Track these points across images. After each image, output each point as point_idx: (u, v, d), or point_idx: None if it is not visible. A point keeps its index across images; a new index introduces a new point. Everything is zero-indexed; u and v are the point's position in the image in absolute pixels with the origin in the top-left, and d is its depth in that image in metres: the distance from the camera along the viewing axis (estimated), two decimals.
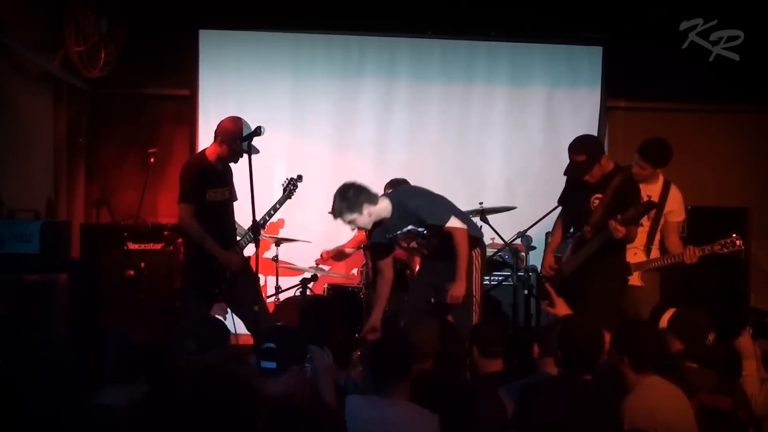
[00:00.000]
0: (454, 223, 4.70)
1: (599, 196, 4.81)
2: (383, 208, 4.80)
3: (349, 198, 4.71)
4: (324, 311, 4.35)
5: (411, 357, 3.40)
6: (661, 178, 5.31)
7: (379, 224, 4.85)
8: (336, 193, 4.75)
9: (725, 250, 4.94)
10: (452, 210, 4.78)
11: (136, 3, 6.48)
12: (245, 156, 4.85)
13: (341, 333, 4.56)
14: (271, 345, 3.18)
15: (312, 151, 7.00)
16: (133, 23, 6.45)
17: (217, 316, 5.66)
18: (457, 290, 4.60)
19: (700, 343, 3.87)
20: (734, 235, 4.93)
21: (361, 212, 4.71)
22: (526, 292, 5.91)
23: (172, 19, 6.61)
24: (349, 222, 4.76)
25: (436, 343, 3.92)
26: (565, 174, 5.04)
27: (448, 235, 4.69)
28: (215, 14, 6.81)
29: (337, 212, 4.76)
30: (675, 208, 5.40)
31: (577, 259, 4.95)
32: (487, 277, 6.38)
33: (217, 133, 5.11)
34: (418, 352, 3.78)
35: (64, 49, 6.05)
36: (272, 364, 3.15)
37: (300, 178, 5.32)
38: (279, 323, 3.91)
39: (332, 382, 3.39)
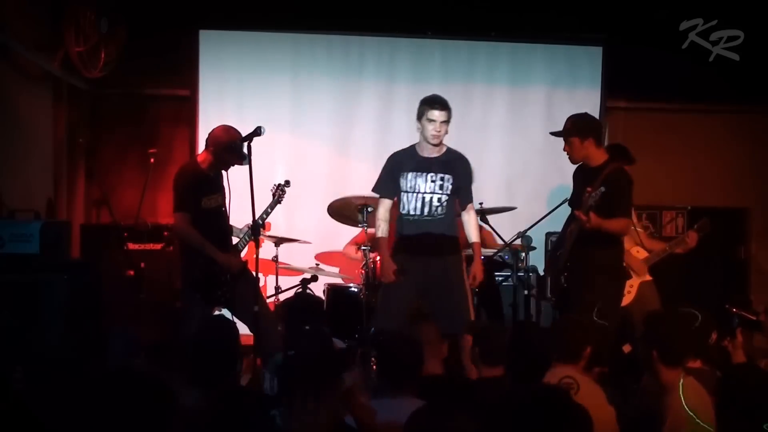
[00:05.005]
0: (474, 212, 5.19)
1: (589, 189, 4.80)
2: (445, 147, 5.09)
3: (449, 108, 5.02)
4: (308, 310, 4.32)
5: (420, 357, 3.41)
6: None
7: (415, 158, 5.06)
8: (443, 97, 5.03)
9: (701, 233, 5.54)
10: None
11: (136, 3, 6.48)
12: (239, 162, 4.95)
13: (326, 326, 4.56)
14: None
15: (312, 151, 7.00)
16: (133, 23, 6.45)
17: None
18: (480, 273, 5.03)
19: (704, 342, 3.86)
20: (705, 219, 5.64)
21: (449, 121, 5.00)
22: (526, 292, 5.91)
23: (172, 19, 6.60)
24: (444, 121, 4.97)
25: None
26: (550, 133, 5.18)
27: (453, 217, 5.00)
28: (215, 14, 6.81)
29: (448, 107, 4.99)
30: None
31: (563, 254, 4.95)
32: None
33: (208, 142, 5.13)
34: (489, 358, 3.82)
35: (64, 49, 6.05)
36: None
37: (288, 183, 5.37)
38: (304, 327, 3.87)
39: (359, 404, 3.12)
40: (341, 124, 7.05)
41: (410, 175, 5.02)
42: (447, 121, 4.99)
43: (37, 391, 3.61)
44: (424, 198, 5.00)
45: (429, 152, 5.05)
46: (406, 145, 6.96)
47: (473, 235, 5.16)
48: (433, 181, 5.01)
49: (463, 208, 5.16)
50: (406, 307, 4.97)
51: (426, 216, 5.01)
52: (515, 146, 7.16)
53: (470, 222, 5.18)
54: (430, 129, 4.97)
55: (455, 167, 5.06)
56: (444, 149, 5.09)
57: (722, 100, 7.23)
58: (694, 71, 6.48)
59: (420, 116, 5.01)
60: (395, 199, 5.14)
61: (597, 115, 7.05)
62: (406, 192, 5.03)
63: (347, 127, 7.06)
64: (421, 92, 6.93)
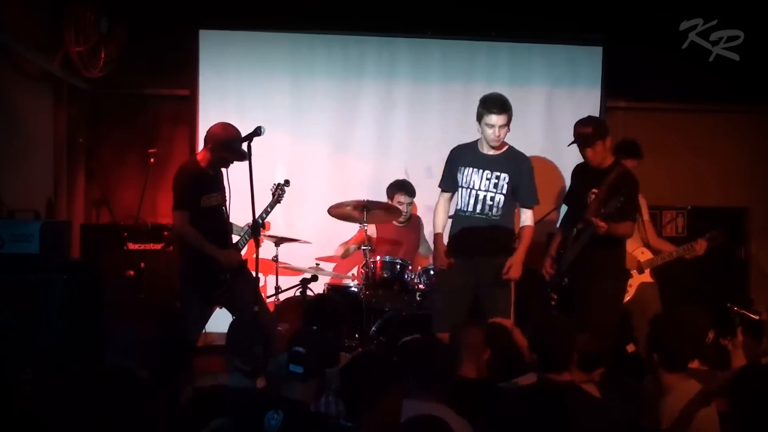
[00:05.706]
0: (532, 214, 5.03)
1: (596, 190, 4.77)
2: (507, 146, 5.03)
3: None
4: (327, 309, 4.34)
5: (454, 365, 3.42)
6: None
7: (474, 154, 4.99)
8: (502, 98, 4.96)
9: (713, 243, 5.49)
10: None
11: (136, 3, 6.49)
12: (238, 159, 4.95)
13: (345, 328, 4.56)
14: (301, 350, 3.11)
15: (312, 151, 7.00)
16: (133, 23, 6.45)
17: None
18: (518, 267, 4.85)
19: (701, 342, 3.85)
20: (718, 231, 5.54)
21: (508, 123, 4.94)
22: (525, 292, 5.90)
23: (172, 20, 6.61)
24: (503, 125, 4.91)
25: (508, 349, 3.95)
26: (569, 145, 5.00)
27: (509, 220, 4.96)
28: (215, 14, 6.81)
29: (507, 108, 4.92)
30: (642, 203, 5.46)
31: (569, 256, 4.92)
32: None
33: (206, 139, 5.14)
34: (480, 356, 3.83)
35: (64, 49, 6.05)
36: (299, 369, 3.08)
37: (287, 182, 5.37)
38: (313, 327, 3.89)
39: None
40: (341, 124, 7.05)
41: (467, 170, 4.99)
42: (506, 125, 4.92)
43: (35, 391, 3.62)
44: (477, 195, 4.96)
45: (489, 149, 5.01)
46: (405, 145, 7.06)
47: (526, 220, 5.05)
48: (488, 179, 4.95)
49: (522, 207, 5.06)
50: (464, 309, 4.90)
51: (479, 214, 4.96)
52: (515, 146, 7.12)
53: (525, 218, 5.07)
54: (489, 133, 4.92)
55: (513, 166, 4.99)
56: (505, 147, 5.04)
57: (722, 100, 7.23)
58: (694, 71, 6.48)
59: (479, 118, 4.96)
60: (453, 193, 5.15)
61: (597, 115, 7.08)
62: (462, 187, 5.01)
63: (347, 126, 7.06)
64: (421, 92, 7.05)
